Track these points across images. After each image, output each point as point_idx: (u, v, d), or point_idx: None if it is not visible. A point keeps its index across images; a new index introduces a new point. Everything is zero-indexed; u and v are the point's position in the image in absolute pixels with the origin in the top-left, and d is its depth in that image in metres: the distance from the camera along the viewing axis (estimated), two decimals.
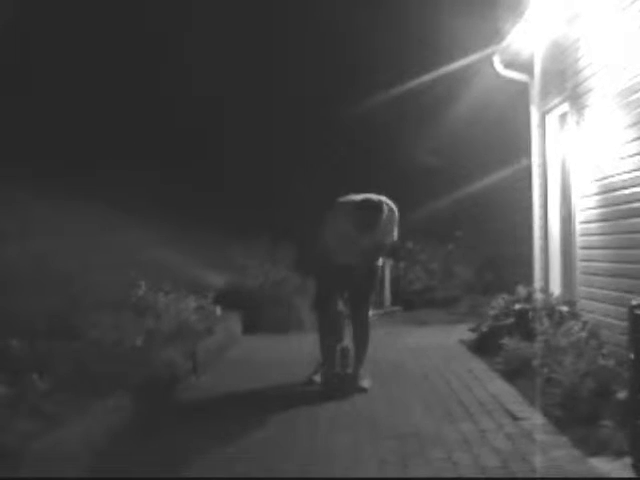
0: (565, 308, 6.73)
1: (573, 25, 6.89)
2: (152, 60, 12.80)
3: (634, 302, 3.67)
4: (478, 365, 6.64)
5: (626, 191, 5.76)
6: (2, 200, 7.62)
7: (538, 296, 7.35)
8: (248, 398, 5.76)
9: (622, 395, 4.19)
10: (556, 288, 7.77)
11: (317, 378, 6.04)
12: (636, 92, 5.54)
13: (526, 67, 8.41)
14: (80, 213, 8.74)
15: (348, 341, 6.06)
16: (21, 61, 11.30)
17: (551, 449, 4.02)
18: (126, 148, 12.05)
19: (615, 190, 5.99)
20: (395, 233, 5.89)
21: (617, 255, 6.00)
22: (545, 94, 8.02)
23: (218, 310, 8.48)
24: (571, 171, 7.35)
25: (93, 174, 10.38)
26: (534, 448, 4.07)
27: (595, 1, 6.36)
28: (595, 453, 3.90)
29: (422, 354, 7.47)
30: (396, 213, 5.78)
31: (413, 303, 11.54)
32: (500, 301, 7.38)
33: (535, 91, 8.36)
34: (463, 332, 8.05)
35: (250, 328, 9.35)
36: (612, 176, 6.05)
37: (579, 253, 6.95)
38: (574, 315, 6.58)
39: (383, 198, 5.70)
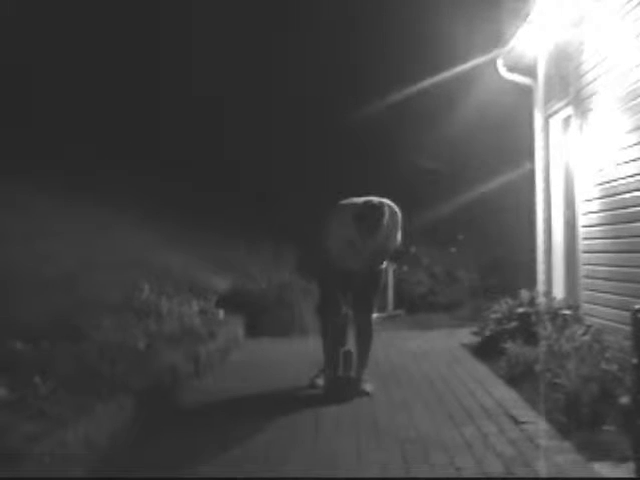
0: (568, 312, 6.73)
1: (577, 29, 6.89)
2: (152, 60, 12.82)
3: (637, 306, 3.66)
4: (481, 369, 6.62)
5: (629, 195, 5.76)
6: (5, 201, 7.63)
7: (541, 300, 7.34)
8: (251, 401, 5.75)
9: (625, 400, 4.17)
10: (559, 292, 7.76)
11: (320, 382, 6.02)
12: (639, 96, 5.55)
13: (530, 71, 8.40)
14: (83, 214, 8.76)
15: (351, 345, 6.05)
16: (21, 61, 11.31)
17: (554, 454, 4.01)
18: (127, 149, 12.07)
19: (618, 194, 5.98)
20: (399, 236, 5.80)
21: (620, 259, 6.00)
22: (548, 98, 8.01)
23: (221, 313, 8.46)
24: (574, 175, 7.34)
25: (95, 175, 10.38)
26: (537, 453, 4.06)
27: (599, 5, 6.37)
28: (598, 458, 3.88)
29: (425, 358, 7.45)
30: (399, 216, 5.71)
31: (416, 307, 11.51)
32: (503, 305, 7.36)
33: (538, 95, 8.36)
34: (466, 336, 8.05)
35: (253, 331, 9.33)
36: (615, 180, 6.04)
37: (582, 257, 6.94)
38: (577, 319, 6.58)
39: (385, 200, 5.63)
